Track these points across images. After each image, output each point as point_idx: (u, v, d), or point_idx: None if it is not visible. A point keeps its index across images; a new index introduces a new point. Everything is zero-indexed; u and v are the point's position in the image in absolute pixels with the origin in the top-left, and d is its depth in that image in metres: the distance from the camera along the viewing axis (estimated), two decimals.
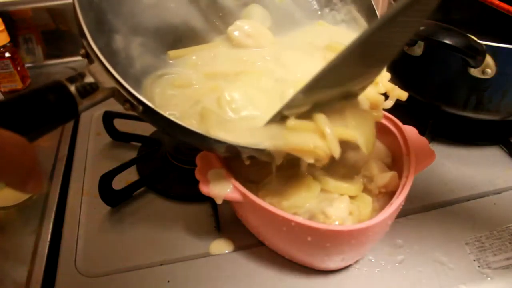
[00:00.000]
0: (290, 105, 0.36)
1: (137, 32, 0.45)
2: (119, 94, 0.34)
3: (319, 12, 0.54)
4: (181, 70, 0.45)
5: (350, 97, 0.40)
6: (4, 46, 0.73)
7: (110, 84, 0.33)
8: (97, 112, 0.70)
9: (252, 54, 0.48)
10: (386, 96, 0.45)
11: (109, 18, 0.43)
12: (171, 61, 0.46)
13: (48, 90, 0.31)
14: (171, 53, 0.46)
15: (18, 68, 0.76)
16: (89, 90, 0.32)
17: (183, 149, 0.58)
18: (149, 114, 0.35)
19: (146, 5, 0.47)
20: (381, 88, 0.44)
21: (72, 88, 0.32)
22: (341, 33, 0.51)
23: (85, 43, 0.34)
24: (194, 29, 0.49)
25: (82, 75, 0.33)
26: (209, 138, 0.35)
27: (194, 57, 0.46)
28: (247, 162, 0.38)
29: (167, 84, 0.43)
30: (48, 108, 0.30)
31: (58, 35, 0.84)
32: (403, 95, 0.45)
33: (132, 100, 0.34)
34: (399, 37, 0.34)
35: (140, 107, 0.34)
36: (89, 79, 0.33)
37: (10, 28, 0.75)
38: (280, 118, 0.38)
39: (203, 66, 0.45)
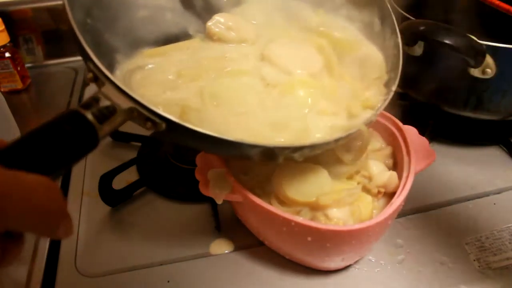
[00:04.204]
0: None
1: (137, 47, 0.44)
2: (138, 114, 0.32)
3: None
4: (161, 65, 0.43)
5: None
6: (4, 46, 0.73)
7: (127, 104, 0.31)
8: None
9: (234, 50, 0.46)
10: None
11: (106, 38, 0.42)
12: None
13: (64, 121, 0.28)
14: (147, 52, 0.44)
15: (18, 68, 0.76)
16: (106, 114, 0.30)
17: (183, 149, 0.58)
18: (174, 129, 0.32)
19: (141, 18, 0.46)
20: None
21: (89, 115, 0.29)
22: (335, 24, 0.49)
23: (91, 66, 0.32)
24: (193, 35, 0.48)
25: (96, 100, 0.30)
26: (246, 144, 0.33)
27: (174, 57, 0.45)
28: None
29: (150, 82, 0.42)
30: (67, 141, 0.27)
31: (58, 35, 0.84)
32: None
33: (154, 118, 0.31)
34: None
35: (163, 124, 0.32)
36: (104, 103, 0.30)
37: (10, 28, 0.75)
38: None
39: (185, 68, 0.43)
